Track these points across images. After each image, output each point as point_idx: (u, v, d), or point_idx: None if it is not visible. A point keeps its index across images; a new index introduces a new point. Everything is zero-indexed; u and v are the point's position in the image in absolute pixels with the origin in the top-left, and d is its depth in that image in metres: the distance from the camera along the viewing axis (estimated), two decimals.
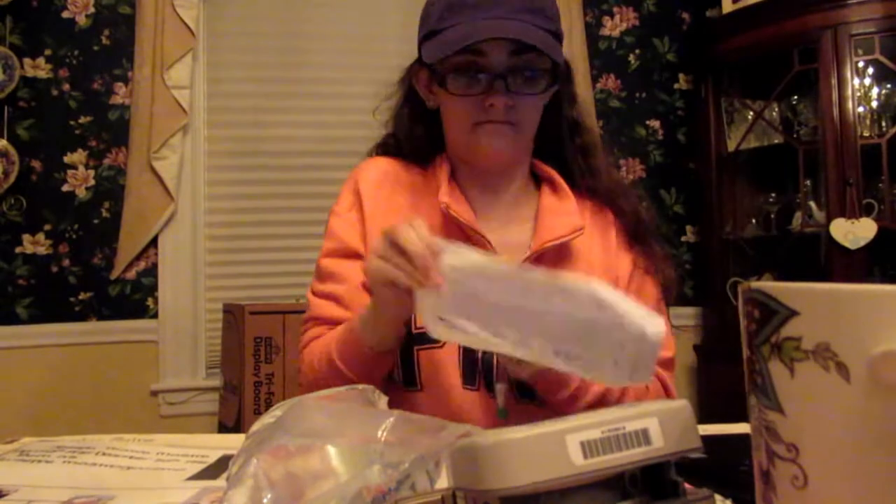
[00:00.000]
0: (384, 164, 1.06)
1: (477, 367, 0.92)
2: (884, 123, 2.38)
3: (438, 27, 0.94)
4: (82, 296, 2.46)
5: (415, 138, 1.06)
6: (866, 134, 2.36)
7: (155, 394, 2.48)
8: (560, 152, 1.05)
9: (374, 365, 0.89)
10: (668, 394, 0.98)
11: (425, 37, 0.97)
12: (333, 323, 0.97)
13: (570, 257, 0.99)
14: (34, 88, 2.43)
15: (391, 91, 1.08)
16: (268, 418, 0.56)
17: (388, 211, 1.00)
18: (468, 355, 0.93)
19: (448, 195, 0.97)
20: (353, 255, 0.99)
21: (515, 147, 0.98)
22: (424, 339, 0.92)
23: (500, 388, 0.92)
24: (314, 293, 1.02)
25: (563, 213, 1.00)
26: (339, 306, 0.98)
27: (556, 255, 0.97)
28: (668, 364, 0.99)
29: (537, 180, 1.07)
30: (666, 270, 1.02)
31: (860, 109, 2.35)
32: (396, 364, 0.94)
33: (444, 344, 0.92)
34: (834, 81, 2.33)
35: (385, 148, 1.10)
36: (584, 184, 1.04)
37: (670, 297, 1.03)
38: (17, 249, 2.42)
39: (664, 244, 1.05)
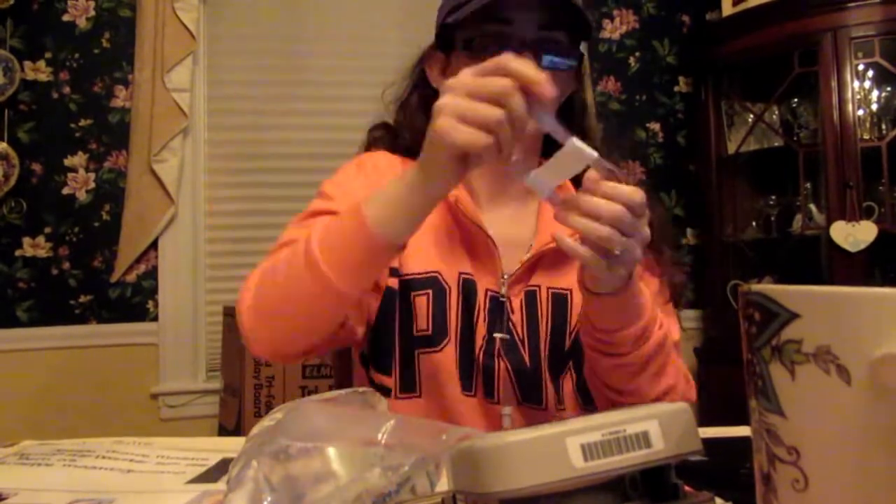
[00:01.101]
0: (387, 156, 1.05)
1: (474, 373, 0.92)
2: (884, 126, 2.38)
3: (464, 0, 0.90)
4: (82, 299, 2.46)
5: (418, 128, 1.05)
6: (866, 137, 2.36)
7: (155, 397, 2.48)
8: None
9: (368, 264, 0.75)
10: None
11: (449, 12, 0.93)
12: None
13: (573, 258, 0.98)
14: (35, 91, 2.43)
15: (401, 75, 1.06)
16: (268, 421, 0.56)
17: None
18: (465, 361, 0.92)
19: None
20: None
21: (533, 134, 0.94)
22: (425, 342, 0.92)
23: (507, 411, 0.91)
24: (298, 220, 0.96)
25: None
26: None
27: (557, 255, 0.96)
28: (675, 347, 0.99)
29: None
30: (676, 275, 1.00)
31: (860, 112, 2.35)
32: (394, 371, 0.93)
33: (443, 348, 0.91)
34: (834, 84, 2.33)
35: (380, 142, 1.08)
36: None
37: (679, 302, 1.02)
38: (18, 252, 2.42)
39: (674, 248, 1.03)
